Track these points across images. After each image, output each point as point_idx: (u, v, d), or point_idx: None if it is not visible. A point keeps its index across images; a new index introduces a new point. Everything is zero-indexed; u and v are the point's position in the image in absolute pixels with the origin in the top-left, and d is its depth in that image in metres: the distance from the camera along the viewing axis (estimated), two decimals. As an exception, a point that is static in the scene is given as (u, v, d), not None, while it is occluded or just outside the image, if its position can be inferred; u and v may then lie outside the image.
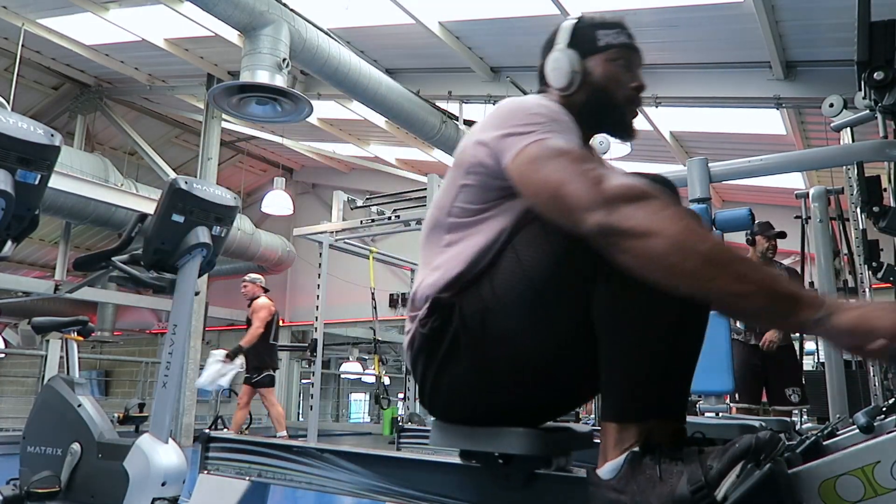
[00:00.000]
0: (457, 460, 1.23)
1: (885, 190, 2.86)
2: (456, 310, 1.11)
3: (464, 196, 1.17)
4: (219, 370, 5.33)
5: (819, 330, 0.83)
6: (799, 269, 4.41)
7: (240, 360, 5.51)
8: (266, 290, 6.21)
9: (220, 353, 5.41)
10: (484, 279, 1.11)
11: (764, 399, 4.29)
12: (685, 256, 0.87)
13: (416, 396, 5.55)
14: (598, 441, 1.06)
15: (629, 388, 1.02)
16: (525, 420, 1.13)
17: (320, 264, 6.52)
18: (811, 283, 4.13)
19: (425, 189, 6.40)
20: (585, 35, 1.25)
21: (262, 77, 4.93)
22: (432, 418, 1.21)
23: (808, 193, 3.71)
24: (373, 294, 6.74)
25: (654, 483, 0.94)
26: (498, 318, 1.07)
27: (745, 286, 0.86)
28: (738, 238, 4.44)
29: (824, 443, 1.27)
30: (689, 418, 3.12)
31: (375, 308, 6.85)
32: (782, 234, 4.16)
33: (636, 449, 0.99)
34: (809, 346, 6.29)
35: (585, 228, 0.94)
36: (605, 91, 1.22)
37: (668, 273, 0.89)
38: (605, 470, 1.01)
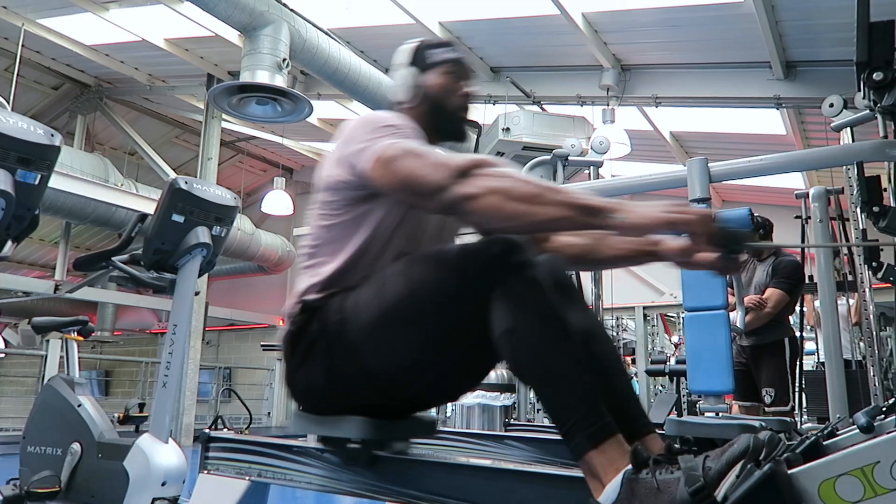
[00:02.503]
0: (456, 460, 1.23)
1: (885, 190, 2.86)
2: (318, 313, 1.27)
3: (327, 213, 1.35)
4: None
5: (617, 226, 1.04)
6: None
7: None
8: None
9: None
10: (348, 293, 1.26)
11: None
12: (512, 201, 1.09)
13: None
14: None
15: (569, 414, 1.06)
16: (372, 414, 1.27)
17: (320, 264, 6.51)
18: (811, 277, 4.07)
19: (425, 189, 6.40)
20: (421, 55, 1.47)
21: (262, 77, 4.93)
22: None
23: (808, 193, 3.71)
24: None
25: (654, 495, 0.94)
26: (352, 329, 1.22)
27: (558, 209, 1.07)
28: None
29: (824, 443, 1.27)
30: (690, 418, 3.09)
31: None
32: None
33: (629, 467, 0.99)
34: (809, 346, 6.28)
35: (441, 204, 1.14)
36: (439, 100, 1.44)
37: (505, 218, 1.10)
38: (605, 496, 1.00)
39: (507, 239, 1.15)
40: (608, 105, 6.18)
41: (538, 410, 5.24)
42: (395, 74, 1.49)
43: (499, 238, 1.16)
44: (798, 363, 3.95)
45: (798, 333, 4.04)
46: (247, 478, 1.46)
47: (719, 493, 0.88)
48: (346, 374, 1.24)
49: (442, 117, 1.45)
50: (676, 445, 1.10)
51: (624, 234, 1.09)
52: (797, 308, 4.26)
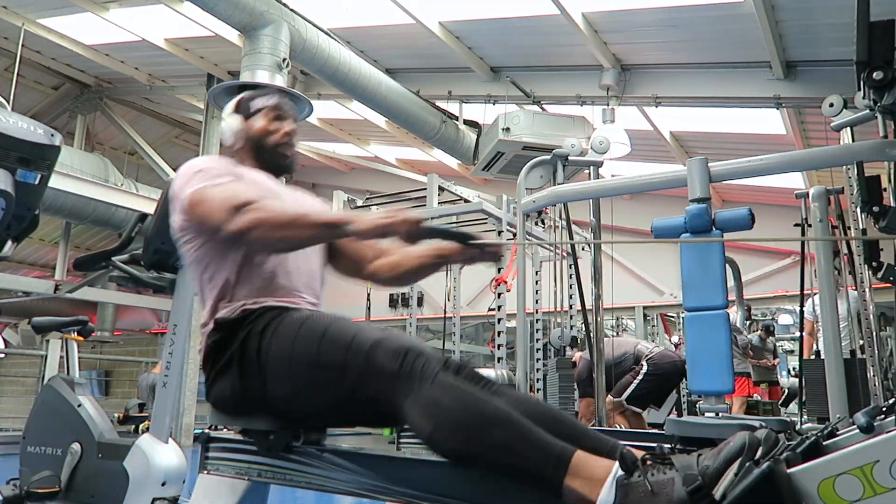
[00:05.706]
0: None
1: (885, 190, 2.86)
2: (237, 333, 1.40)
3: (190, 247, 1.52)
4: None
5: (353, 235, 1.30)
6: (799, 271, 4.42)
7: None
8: None
9: None
10: (265, 321, 1.39)
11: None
12: (274, 231, 1.33)
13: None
14: None
15: (525, 471, 1.07)
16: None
17: (320, 264, 6.53)
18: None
19: (425, 189, 6.39)
20: (245, 104, 1.67)
21: (262, 77, 4.93)
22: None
23: (808, 193, 3.71)
24: (368, 294, 6.84)
25: (648, 497, 0.93)
26: (264, 365, 1.35)
27: (310, 230, 1.34)
28: (741, 236, 4.45)
29: (824, 443, 1.27)
30: (689, 418, 3.10)
31: (369, 308, 6.96)
32: None
33: (620, 473, 0.98)
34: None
35: (225, 235, 1.36)
36: (260, 141, 1.64)
37: (273, 244, 1.38)
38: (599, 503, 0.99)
39: (415, 348, 1.22)
40: (608, 105, 6.18)
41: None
42: (223, 122, 1.69)
43: (409, 347, 1.22)
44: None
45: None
46: (247, 478, 1.46)
47: (717, 492, 0.88)
48: (254, 398, 1.38)
49: (265, 154, 1.65)
50: (677, 446, 1.09)
51: (359, 238, 1.34)
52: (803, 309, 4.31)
